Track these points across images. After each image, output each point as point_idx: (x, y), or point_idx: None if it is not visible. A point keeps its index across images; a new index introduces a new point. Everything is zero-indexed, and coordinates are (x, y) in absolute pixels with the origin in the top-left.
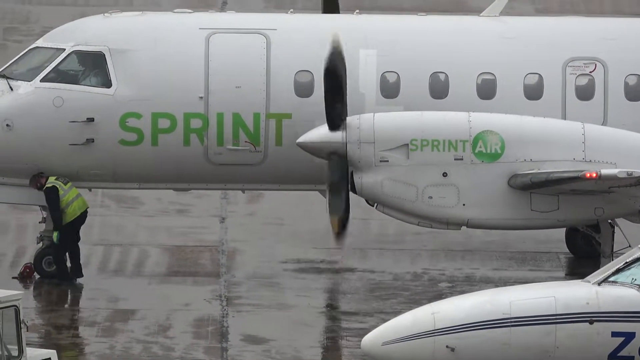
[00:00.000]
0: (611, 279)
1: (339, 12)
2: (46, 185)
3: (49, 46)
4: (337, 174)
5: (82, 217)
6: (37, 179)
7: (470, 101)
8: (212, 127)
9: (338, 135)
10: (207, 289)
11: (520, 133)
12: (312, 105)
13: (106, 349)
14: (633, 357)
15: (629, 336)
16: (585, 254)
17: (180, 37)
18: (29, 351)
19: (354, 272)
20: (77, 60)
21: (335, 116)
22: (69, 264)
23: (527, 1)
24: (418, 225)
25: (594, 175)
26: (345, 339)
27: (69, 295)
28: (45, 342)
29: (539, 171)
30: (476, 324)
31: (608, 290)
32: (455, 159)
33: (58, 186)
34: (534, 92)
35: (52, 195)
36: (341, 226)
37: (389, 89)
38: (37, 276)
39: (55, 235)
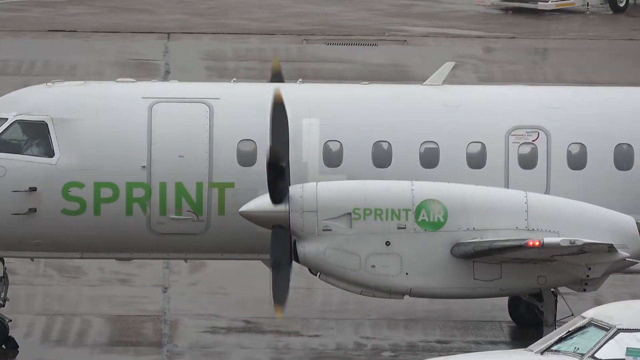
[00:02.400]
0: (554, 347)
1: (283, 82)
2: None
3: None
4: (280, 245)
5: None
6: None
7: (413, 170)
8: (155, 197)
9: (281, 205)
10: (149, 359)
11: (463, 202)
12: (255, 174)
13: None
14: None
15: None
16: (528, 323)
17: (123, 106)
18: None
19: (297, 340)
20: (20, 130)
21: (278, 190)
22: None
23: (470, 70)
24: (361, 294)
25: (537, 243)
26: None
27: None
28: None
29: (482, 240)
30: None
31: (551, 359)
32: (398, 228)
33: None
34: (476, 160)
35: None
36: (282, 300)
37: (332, 158)
38: None
39: None
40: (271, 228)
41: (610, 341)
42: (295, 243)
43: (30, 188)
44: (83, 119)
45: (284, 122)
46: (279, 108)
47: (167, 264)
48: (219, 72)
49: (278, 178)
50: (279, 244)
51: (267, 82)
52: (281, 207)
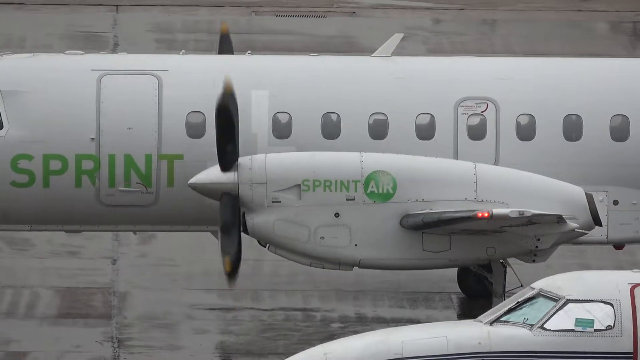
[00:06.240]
0: (503, 318)
1: (232, 53)
2: None
3: None
4: (229, 215)
5: None
6: None
7: (362, 141)
8: (104, 169)
9: (230, 176)
10: (98, 331)
11: (412, 173)
12: (204, 146)
13: None
14: None
15: None
16: (477, 294)
17: (72, 78)
18: None
19: (246, 312)
20: None
21: (227, 157)
22: None
23: (419, 41)
24: (310, 266)
25: (486, 215)
26: None
27: None
28: None
29: (431, 211)
30: None
31: (500, 330)
32: (347, 200)
33: None
34: (425, 132)
35: None
36: (233, 268)
37: (281, 130)
38: None
39: None
40: (219, 197)
41: (560, 312)
42: (244, 215)
43: None
44: (32, 92)
45: (234, 107)
46: (228, 99)
47: (116, 236)
48: (168, 44)
49: (227, 142)
50: (228, 210)
51: (217, 45)
52: (230, 179)
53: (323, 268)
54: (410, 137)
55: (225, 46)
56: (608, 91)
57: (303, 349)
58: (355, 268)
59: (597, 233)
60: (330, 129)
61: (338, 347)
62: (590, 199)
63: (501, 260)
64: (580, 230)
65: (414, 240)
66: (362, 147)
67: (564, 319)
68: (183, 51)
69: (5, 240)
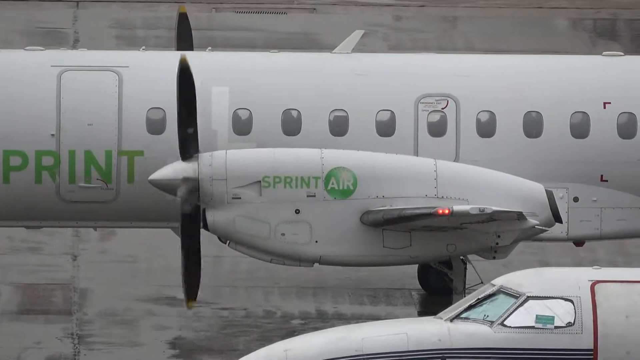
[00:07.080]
0: (463, 315)
1: (192, 49)
2: None
3: None
4: (189, 212)
5: None
6: None
7: (323, 138)
8: (64, 165)
9: (190, 173)
10: (58, 327)
11: (373, 170)
12: (164, 142)
13: None
14: None
15: None
16: (437, 291)
17: (32, 74)
18: None
19: (207, 309)
20: None
21: (189, 144)
22: None
23: (380, 38)
24: (271, 262)
25: (446, 211)
26: None
27: None
28: None
29: (391, 208)
30: None
31: (460, 326)
32: (307, 196)
33: None
34: (386, 128)
35: None
36: (193, 292)
37: (242, 126)
38: None
39: None
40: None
41: (520, 308)
42: (204, 211)
43: None
44: None
45: (191, 87)
46: (185, 73)
47: (77, 232)
48: (128, 41)
49: (188, 131)
50: (189, 232)
51: (175, 26)
52: (190, 175)
53: (284, 264)
54: (370, 134)
55: (183, 27)
56: (568, 88)
57: (263, 345)
58: (316, 264)
59: (557, 230)
60: (291, 126)
61: (298, 343)
62: (550, 195)
63: (461, 257)
64: (541, 227)
65: (374, 236)
66: (322, 144)
67: (524, 316)
68: (143, 47)
69: None
